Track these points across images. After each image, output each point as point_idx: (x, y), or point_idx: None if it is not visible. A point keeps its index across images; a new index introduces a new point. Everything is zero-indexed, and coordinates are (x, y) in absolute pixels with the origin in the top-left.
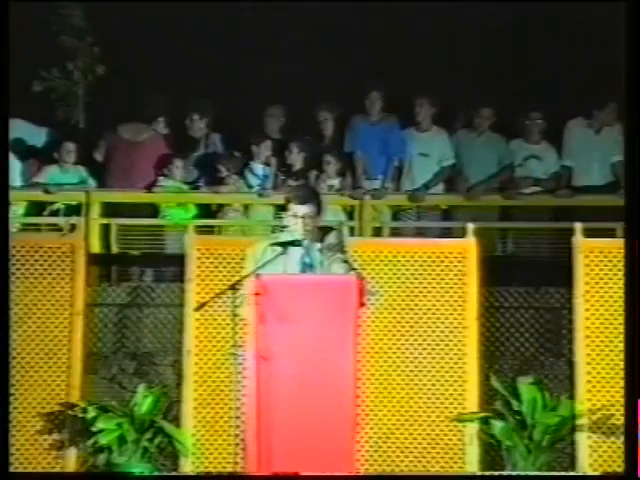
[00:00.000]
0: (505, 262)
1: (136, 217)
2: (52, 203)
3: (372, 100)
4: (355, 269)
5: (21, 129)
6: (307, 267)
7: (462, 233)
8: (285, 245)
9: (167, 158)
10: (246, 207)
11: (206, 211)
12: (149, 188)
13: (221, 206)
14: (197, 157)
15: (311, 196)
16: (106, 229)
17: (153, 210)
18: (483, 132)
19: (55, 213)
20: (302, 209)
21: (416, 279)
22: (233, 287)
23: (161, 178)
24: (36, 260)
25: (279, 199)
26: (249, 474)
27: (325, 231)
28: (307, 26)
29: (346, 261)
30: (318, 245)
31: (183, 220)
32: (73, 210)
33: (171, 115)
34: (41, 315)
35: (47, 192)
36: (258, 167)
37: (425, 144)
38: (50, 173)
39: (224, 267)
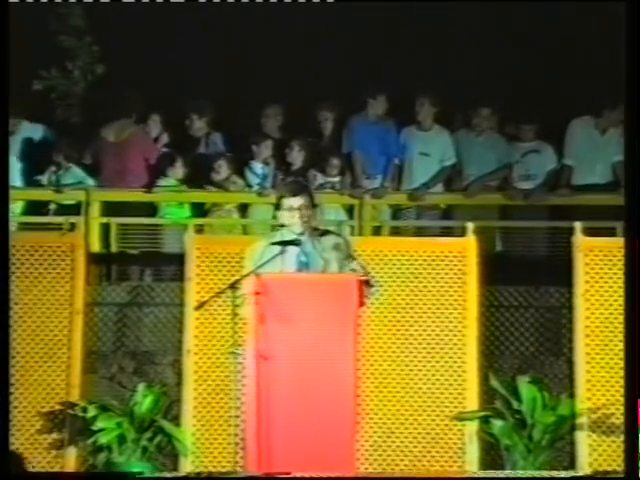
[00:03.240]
0: (505, 261)
1: (135, 216)
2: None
3: (378, 102)
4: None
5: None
6: (303, 266)
7: (462, 232)
8: (284, 244)
9: (156, 153)
10: (246, 206)
11: (202, 210)
12: (146, 186)
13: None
14: (197, 156)
15: (302, 188)
16: (106, 228)
17: (152, 209)
18: (483, 132)
19: (47, 212)
20: (296, 201)
21: (416, 278)
22: (233, 286)
23: (162, 177)
24: (36, 259)
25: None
26: (249, 474)
27: (324, 233)
28: (307, 25)
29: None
30: (315, 244)
31: (183, 219)
32: (66, 209)
33: (168, 113)
34: (41, 314)
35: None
36: (258, 166)
37: (426, 143)
38: (50, 175)
39: (224, 266)
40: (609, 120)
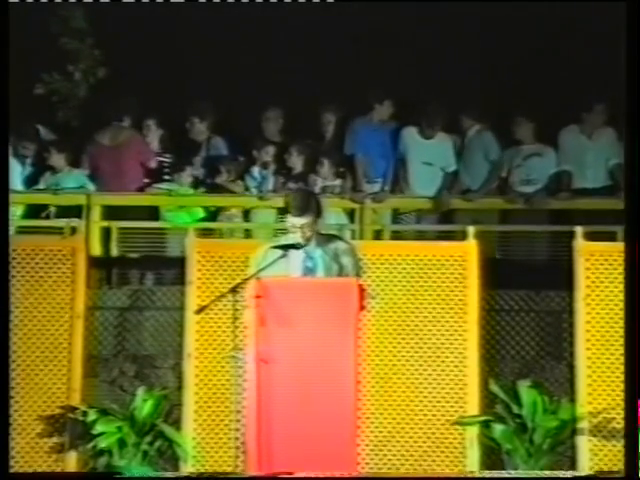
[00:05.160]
0: (506, 265)
1: (136, 220)
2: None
3: (384, 107)
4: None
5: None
6: (309, 271)
7: (463, 236)
8: (286, 248)
9: (153, 156)
10: (248, 210)
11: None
12: (145, 190)
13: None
14: (199, 160)
15: (308, 205)
16: (107, 232)
17: (153, 213)
18: (466, 133)
19: (47, 216)
20: (300, 221)
21: (417, 282)
22: (234, 290)
23: (162, 181)
24: (36, 263)
25: (279, 202)
26: (249, 476)
27: (329, 237)
28: (308, 26)
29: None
30: (325, 249)
31: (184, 223)
32: (65, 213)
33: (168, 116)
34: (41, 318)
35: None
36: (255, 169)
37: (429, 153)
38: (47, 178)
39: (225, 270)
40: (591, 123)
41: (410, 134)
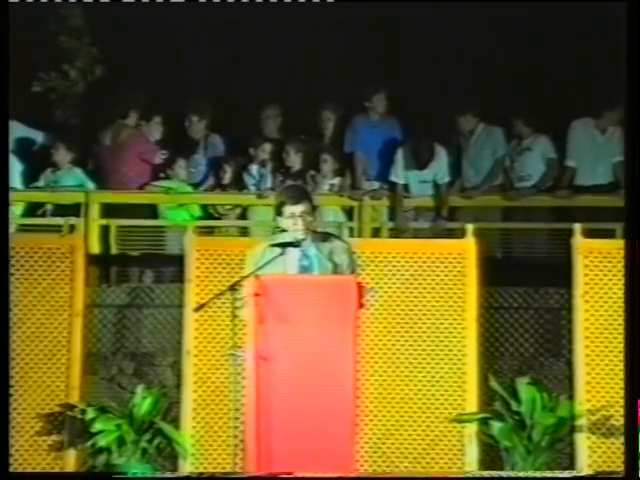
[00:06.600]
0: (504, 262)
1: (135, 218)
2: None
3: (376, 102)
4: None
5: (18, 131)
6: (305, 270)
7: (461, 233)
8: (284, 246)
9: (155, 154)
10: (245, 208)
11: (205, 212)
12: (145, 188)
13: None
14: (197, 158)
15: (302, 195)
16: (105, 230)
17: (152, 210)
18: (473, 132)
19: (43, 214)
20: (298, 208)
21: (415, 280)
22: (232, 288)
23: (161, 179)
24: (35, 261)
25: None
26: (250, 474)
27: (325, 235)
28: (307, 24)
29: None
30: (320, 247)
31: (183, 221)
32: (62, 210)
33: (167, 115)
34: (40, 316)
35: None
36: (253, 167)
37: (426, 174)
38: (47, 176)
39: (223, 268)
40: (609, 120)
41: (403, 164)
